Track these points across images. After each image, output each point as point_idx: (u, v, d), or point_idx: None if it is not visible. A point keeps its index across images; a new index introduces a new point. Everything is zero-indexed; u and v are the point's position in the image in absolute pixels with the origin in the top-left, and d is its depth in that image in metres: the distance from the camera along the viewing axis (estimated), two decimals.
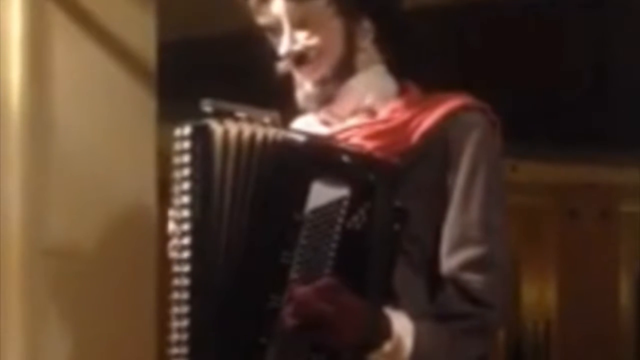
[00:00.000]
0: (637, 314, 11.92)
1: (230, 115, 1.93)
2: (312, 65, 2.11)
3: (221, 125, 1.92)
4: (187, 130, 1.92)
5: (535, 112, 9.17)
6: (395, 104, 2.13)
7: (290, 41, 2.10)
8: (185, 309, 1.89)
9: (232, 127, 1.92)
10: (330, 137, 2.08)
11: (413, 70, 2.20)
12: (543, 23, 8.82)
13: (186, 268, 1.90)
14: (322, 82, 2.11)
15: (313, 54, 2.10)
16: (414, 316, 1.95)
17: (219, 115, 1.93)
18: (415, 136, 2.06)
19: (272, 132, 1.93)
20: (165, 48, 3.72)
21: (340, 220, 1.89)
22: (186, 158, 1.91)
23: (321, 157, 1.92)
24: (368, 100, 2.13)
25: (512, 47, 8.70)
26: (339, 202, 1.89)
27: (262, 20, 2.14)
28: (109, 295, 3.49)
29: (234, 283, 1.90)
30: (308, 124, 2.21)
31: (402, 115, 2.09)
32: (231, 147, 1.91)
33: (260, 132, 1.92)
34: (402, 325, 1.93)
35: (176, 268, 1.91)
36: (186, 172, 1.91)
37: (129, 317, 3.52)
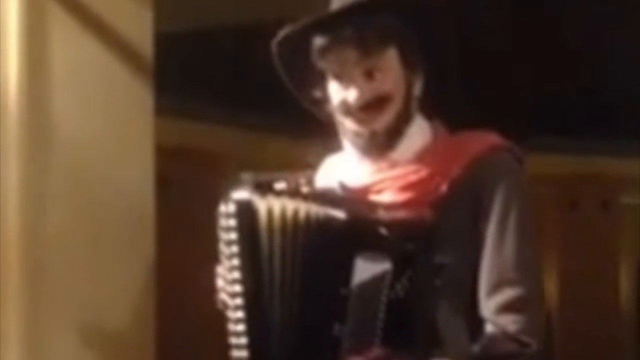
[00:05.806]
0: (638, 304, 11.92)
1: (270, 188, 1.99)
2: (377, 113, 2.09)
3: (264, 200, 1.98)
4: (231, 207, 1.98)
5: (536, 103, 9.17)
6: (425, 150, 2.14)
7: (361, 91, 2.07)
8: None
9: (275, 204, 1.98)
10: (365, 190, 2.10)
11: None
12: (544, 15, 8.81)
13: (243, 340, 1.97)
14: (386, 131, 2.10)
15: (379, 103, 2.08)
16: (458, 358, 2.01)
17: (259, 188, 1.99)
18: (445, 184, 2.09)
19: (314, 210, 1.98)
20: (161, 41, 3.72)
21: (385, 291, 1.95)
22: (233, 235, 1.99)
23: (361, 233, 1.98)
24: (419, 147, 2.14)
25: (514, 41, 8.70)
26: (382, 276, 1.96)
27: (323, 65, 2.08)
28: (106, 286, 3.50)
29: (289, 356, 1.98)
30: (337, 164, 2.21)
31: (431, 163, 2.11)
32: (276, 225, 1.98)
33: (302, 210, 1.98)
34: None
35: (233, 340, 1.98)
36: (235, 249, 1.98)
37: (127, 304, 3.54)
